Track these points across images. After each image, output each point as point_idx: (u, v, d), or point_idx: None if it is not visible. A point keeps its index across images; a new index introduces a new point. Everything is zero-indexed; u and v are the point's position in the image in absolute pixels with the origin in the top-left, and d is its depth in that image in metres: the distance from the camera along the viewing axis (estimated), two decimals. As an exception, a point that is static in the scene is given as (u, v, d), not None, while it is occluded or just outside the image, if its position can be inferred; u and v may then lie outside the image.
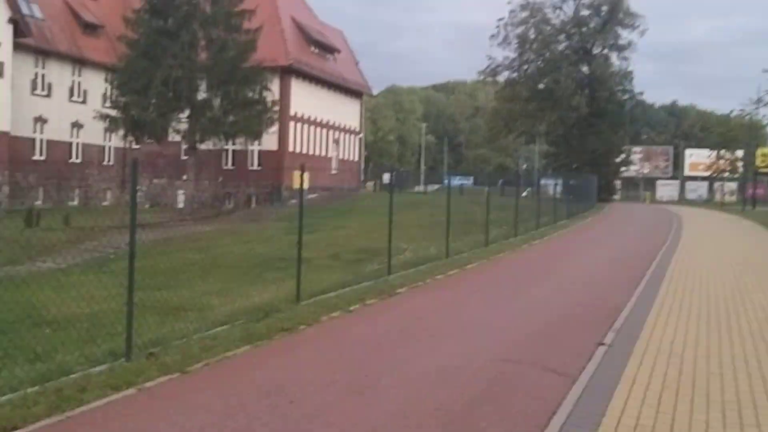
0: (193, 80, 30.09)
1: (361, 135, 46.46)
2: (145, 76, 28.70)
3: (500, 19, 43.01)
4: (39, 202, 34.54)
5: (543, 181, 32.28)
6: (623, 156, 56.29)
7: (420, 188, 56.02)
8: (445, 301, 10.90)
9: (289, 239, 21.50)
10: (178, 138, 32.69)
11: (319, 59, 40.73)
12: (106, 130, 32.91)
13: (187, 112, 30.78)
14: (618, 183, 60.59)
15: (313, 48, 40.35)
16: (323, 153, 41.35)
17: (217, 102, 30.72)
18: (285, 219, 30.11)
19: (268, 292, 11.01)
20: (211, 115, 30.17)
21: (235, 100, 30.68)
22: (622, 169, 58.25)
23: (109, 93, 36.53)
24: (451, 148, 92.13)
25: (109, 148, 39.05)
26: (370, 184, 54.55)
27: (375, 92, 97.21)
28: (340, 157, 43.58)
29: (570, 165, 46.87)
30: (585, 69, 51.54)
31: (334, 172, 42.17)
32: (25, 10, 33.89)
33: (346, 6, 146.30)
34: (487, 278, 13.80)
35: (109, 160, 39.39)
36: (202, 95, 30.74)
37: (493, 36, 43.46)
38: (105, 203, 38.51)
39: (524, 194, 28.25)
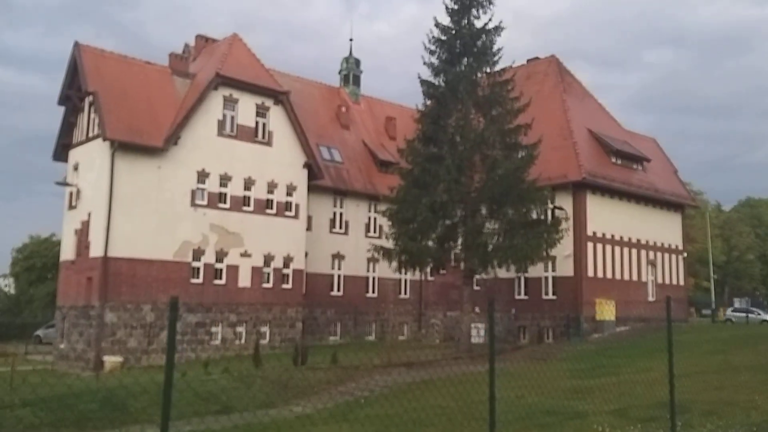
0: (465, 204, 27.89)
1: (684, 254, 38.89)
2: (414, 205, 27.41)
3: None
4: (336, 338, 35.02)
5: None
6: None
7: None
8: None
9: (572, 385, 17.05)
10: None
11: (623, 171, 35.63)
12: (391, 262, 31.99)
13: (460, 240, 28.49)
14: None
15: (614, 159, 35.57)
16: (635, 277, 35.14)
17: (491, 226, 27.89)
18: (572, 358, 25.22)
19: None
20: (482, 240, 27.34)
21: (511, 222, 27.50)
22: None
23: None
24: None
25: (405, 281, 38.64)
26: (713, 312, 45.29)
27: (727, 207, 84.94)
28: (659, 281, 36.64)
29: None
30: None
31: (651, 299, 35.42)
32: (326, 155, 36.32)
33: (693, 124, 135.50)
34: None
35: (405, 293, 38.89)
36: (476, 220, 28.24)
37: None
38: (401, 337, 37.61)
39: None
